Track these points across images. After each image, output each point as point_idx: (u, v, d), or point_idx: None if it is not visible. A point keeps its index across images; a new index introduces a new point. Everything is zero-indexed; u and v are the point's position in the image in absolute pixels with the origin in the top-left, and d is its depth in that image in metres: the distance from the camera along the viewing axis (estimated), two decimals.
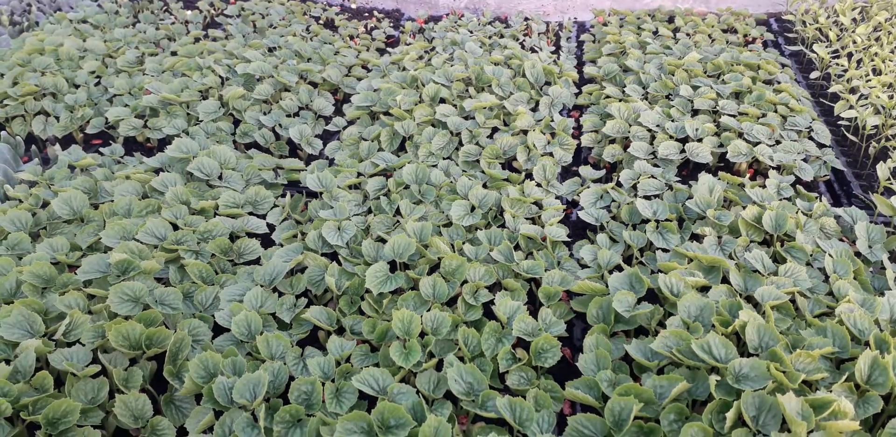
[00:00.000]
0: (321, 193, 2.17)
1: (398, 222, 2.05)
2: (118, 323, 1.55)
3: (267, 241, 2.11)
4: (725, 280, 1.85)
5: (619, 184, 2.38)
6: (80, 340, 1.57)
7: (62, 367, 1.49)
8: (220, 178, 2.22)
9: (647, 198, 2.27)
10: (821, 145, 2.66)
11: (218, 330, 1.69)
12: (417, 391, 1.50)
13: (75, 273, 1.76)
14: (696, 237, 2.09)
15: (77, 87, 2.94)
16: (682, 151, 2.50)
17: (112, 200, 2.08)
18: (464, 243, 1.95)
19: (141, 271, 1.73)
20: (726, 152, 2.50)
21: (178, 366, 1.55)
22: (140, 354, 1.56)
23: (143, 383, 1.53)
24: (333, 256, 1.96)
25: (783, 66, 3.30)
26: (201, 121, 2.63)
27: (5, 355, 1.53)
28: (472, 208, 2.10)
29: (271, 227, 2.13)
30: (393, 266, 1.84)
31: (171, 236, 1.89)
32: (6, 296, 1.71)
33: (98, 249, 1.91)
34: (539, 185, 2.32)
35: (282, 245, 2.01)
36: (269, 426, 1.39)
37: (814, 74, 3.28)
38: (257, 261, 1.96)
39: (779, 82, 3.02)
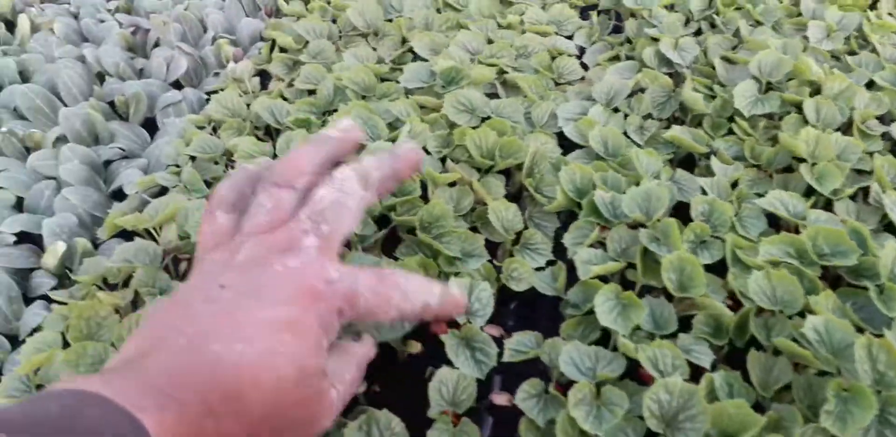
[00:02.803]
0: (634, 12, 1.90)
1: (739, 42, 1.76)
2: (467, 132, 1.39)
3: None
4: None
5: None
6: (427, 147, 1.42)
7: None
8: None
9: None
10: None
11: (566, 147, 1.50)
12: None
13: (398, 82, 1.60)
14: None
15: None
16: None
17: (400, 16, 1.89)
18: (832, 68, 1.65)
19: (471, 81, 1.55)
20: None
21: (537, 180, 1.38)
22: (491, 166, 1.40)
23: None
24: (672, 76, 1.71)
25: None
26: None
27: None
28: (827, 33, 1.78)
29: (580, 48, 1.89)
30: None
31: (486, 49, 1.69)
32: (324, 104, 1.59)
33: (403, 62, 1.74)
34: None
35: (597, 65, 1.78)
36: None
37: None
38: (581, 81, 1.74)
39: None
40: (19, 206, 1.51)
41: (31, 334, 1.31)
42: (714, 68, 1.62)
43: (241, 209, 0.92)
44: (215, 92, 1.78)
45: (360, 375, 0.93)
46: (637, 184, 1.30)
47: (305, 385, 0.79)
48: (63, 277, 1.40)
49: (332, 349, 0.89)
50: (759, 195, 1.32)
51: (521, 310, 1.34)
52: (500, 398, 1.21)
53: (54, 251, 1.35)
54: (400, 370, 1.23)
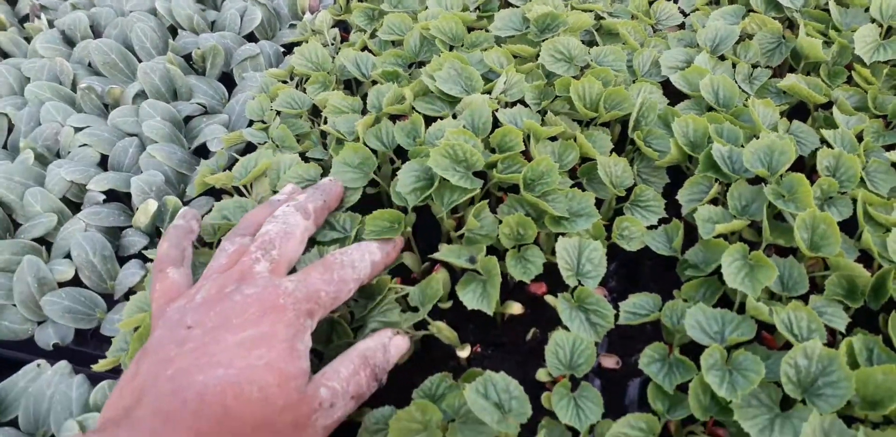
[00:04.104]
0: None
1: None
2: (571, 82, 1.34)
3: None
4: None
5: None
6: (524, 99, 1.38)
7: (513, 126, 1.31)
8: None
9: None
10: None
11: (670, 97, 1.44)
12: None
13: (487, 30, 1.55)
14: None
15: None
16: None
17: None
18: None
19: (567, 28, 1.50)
20: None
21: (644, 133, 1.34)
22: (594, 117, 1.36)
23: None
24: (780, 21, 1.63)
25: None
26: None
27: (444, 112, 1.38)
28: None
29: None
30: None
31: None
32: (411, 56, 1.55)
33: (489, 9, 1.69)
34: None
35: (695, 11, 1.70)
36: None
37: None
38: (681, 27, 1.67)
39: None
40: (103, 163, 1.52)
41: (127, 293, 1.33)
42: (827, 12, 1.53)
43: (186, 263, 1.04)
44: (292, 44, 1.75)
45: (364, 366, 0.93)
46: (755, 137, 1.24)
47: (289, 388, 0.83)
48: (153, 235, 1.41)
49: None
50: (887, 148, 1.26)
51: (621, 269, 1.31)
52: (608, 361, 1.19)
53: (146, 210, 1.35)
54: (501, 332, 1.22)
